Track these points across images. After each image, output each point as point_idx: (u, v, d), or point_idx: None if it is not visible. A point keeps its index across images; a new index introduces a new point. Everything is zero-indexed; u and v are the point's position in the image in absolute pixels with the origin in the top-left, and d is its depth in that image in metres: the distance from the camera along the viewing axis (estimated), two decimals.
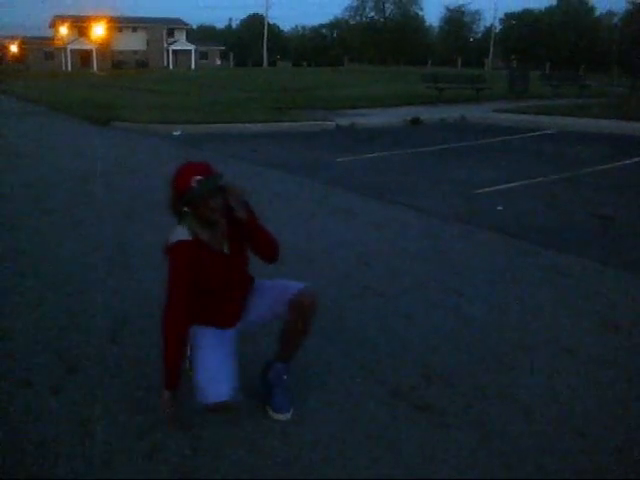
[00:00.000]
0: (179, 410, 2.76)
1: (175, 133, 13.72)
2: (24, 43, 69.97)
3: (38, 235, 5.90)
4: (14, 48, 69.43)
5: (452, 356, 3.58)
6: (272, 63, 79.26)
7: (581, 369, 3.45)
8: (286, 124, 14.74)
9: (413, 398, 3.13)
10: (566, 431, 2.87)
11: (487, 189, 7.98)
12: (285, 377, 3.04)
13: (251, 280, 3.09)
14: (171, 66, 73.55)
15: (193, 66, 72.65)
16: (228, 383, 2.69)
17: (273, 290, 3.02)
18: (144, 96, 23.12)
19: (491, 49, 75.13)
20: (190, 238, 2.76)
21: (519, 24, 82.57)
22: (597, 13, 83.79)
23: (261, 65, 72.28)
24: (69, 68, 68.83)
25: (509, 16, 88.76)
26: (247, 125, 14.52)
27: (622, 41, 43.31)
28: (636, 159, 10.48)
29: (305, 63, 79.03)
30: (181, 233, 2.77)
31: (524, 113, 17.09)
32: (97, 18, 69.88)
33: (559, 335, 3.86)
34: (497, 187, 8.10)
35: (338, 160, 10.15)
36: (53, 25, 75.71)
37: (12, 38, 69.84)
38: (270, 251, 2.97)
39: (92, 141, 12.82)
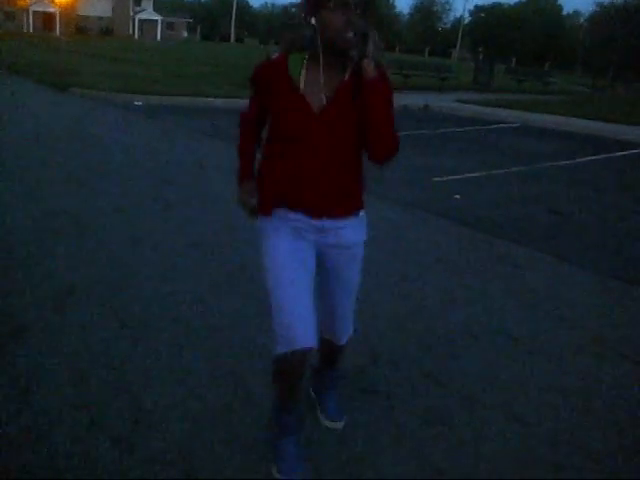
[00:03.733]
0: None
1: (137, 103, 13.48)
2: None
3: None
4: None
5: (398, 341, 3.60)
6: (240, 39, 78.39)
7: (525, 358, 3.51)
8: (245, 100, 14.57)
9: (360, 382, 3.14)
10: (506, 418, 2.92)
11: (446, 178, 8.04)
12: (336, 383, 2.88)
13: (356, 187, 2.38)
14: (136, 35, 72.14)
15: (159, 37, 71.41)
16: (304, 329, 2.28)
17: (328, 304, 2.55)
18: (107, 64, 22.64)
19: (459, 40, 75.57)
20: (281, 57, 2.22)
21: (488, 17, 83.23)
22: (564, 12, 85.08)
23: (228, 40, 71.43)
24: (31, 30, 66.98)
25: (479, 8, 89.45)
26: (209, 99, 14.35)
27: (587, 41, 44.01)
28: (593, 157, 10.68)
29: (273, 41, 78.31)
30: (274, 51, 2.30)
31: (487, 105, 17.27)
32: None
33: (505, 324, 3.92)
34: (456, 176, 8.16)
35: None
36: None
37: None
38: (375, 137, 2.18)
39: (47, 106, 12.51)
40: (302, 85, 2.16)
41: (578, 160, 10.28)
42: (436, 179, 7.95)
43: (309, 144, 2.20)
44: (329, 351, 2.71)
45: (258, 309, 3.85)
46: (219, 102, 14.15)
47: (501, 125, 14.29)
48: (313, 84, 2.16)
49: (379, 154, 2.21)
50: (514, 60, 55.17)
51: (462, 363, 3.41)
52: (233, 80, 18.34)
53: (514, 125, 14.48)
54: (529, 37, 67.79)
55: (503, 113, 15.88)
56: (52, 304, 3.71)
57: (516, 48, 56.15)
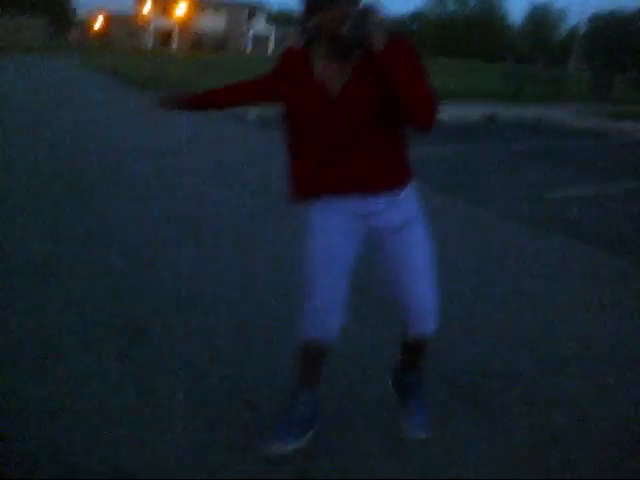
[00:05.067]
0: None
1: (251, 116, 13.85)
2: (108, 19, 71.74)
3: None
4: (98, 24, 71.29)
5: (516, 358, 3.53)
6: None
7: None
8: None
9: (472, 396, 3.10)
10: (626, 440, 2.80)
11: (561, 193, 7.78)
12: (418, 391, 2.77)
13: (394, 163, 2.39)
14: (248, 49, 74.17)
15: (271, 50, 73.08)
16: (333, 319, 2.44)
17: (400, 283, 2.48)
18: (219, 76, 23.38)
19: (575, 50, 73.01)
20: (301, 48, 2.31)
21: (607, 25, 79.98)
22: None
23: None
24: (150, 46, 70.21)
25: (596, 17, 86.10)
26: None
27: None
28: None
29: None
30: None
31: (606, 117, 16.59)
32: None
33: (625, 344, 3.76)
34: (572, 191, 7.90)
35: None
36: (137, 3, 77.24)
37: (97, 13, 71.74)
38: (412, 109, 2.15)
39: (164, 118, 13.05)
40: (318, 73, 2.24)
41: None
42: (550, 194, 7.71)
43: (329, 130, 2.25)
44: (410, 347, 2.65)
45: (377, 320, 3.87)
46: None
47: (622, 138, 13.69)
48: (328, 72, 2.23)
49: (417, 122, 2.17)
50: (636, 70, 52.65)
51: (578, 383, 3.30)
52: None
53: (637, 137, 13.84)
54: None
55: (624, 125, 15.21)
56: (174, 307, 3.88)
57: (635, 56, 53.63)
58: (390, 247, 2.42)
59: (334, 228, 2.39)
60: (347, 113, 2.22)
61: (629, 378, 3.38)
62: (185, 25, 72.31)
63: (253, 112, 13.96)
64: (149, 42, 71.99)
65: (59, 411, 2.76)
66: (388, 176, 2.35)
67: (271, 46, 73.55)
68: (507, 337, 3.77)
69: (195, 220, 5.72)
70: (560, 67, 63.76)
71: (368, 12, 2.06)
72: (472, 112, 15.80)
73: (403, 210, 2.39)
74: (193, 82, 19.28)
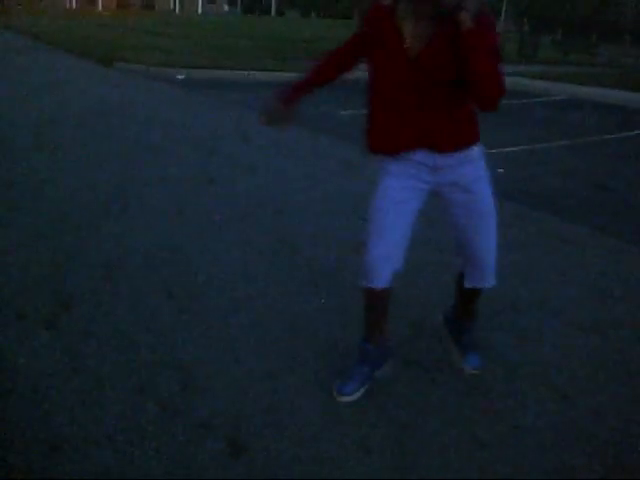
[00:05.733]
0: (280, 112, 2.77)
1: (179, 77, 13.56)
2: None
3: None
4: None
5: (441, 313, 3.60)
6: (281, 13, 77.89)
7: (568, 331, 3.49)
8: (289, 74, 14.59)
9: (403, 353, 3.16)
10: (546, 390, 2.92)
11: (489, 151, 7.91)
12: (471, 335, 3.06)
13: (463, 124, 2.50)
14: (177, 9, 72.20)
15: (200, 10, 71.34)
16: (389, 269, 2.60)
17: (465, 239, 2.67)
18: (149, 38, 22.75)
19: (503, 11, 73.85)
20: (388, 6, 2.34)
21: None
22: None
23: (269, 14, 71.04)
24: (73, 6, 67.50)
25: None
26: (252, 73, 14.35)
27: (636, 10, 42.61)
28: None
29: (314, 14, 77.65)
30: None
31: (533, 77, 16.89)
32: None
33: (549, 298, 3.89)
34: (499, 150, 8.05)
35: (341, 113, 10.05)
36: None
37: None
38: (479, 87, 2.27)
39: (94, 82, 12.68)
40: (404, 31, 2.29)
41: (625, 134, 10.03)
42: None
43: (406, 86, 2.35)
44: (470, 299, 2.89)
45: (302, 279, 3.90)
46: (261, 75, 14.14)
47: (547, 98, 14.00)
48: (412, 30, 2.28)
49: (488, 102, 2.31)
50: (560, 32, 53.81)
51: (505, 336, 3.41)
52: (275, 53, 18.30)
53: (560, 98, 14.18)
54: (576, 7, 66.02)
55: (548, 86, 15.53)
56: (101, 274, 3.81)
57: (562, 19, 54.76)
58: (456, 200, 2.57)
59: (404, 182, 2.52)
60: (424, 73, 2.32)
61: (556, 331, 3.51)
62: None
63: (181, 74, 13.68)
64: (72, 2, 69.14)
65: None
66: (457, 135, 2.47)
67: (200, 5, 71.78)
68: (435, 290, 3.85)
69: (122, 185, 5.59)
70: None
71: None
72: None
73: (473, 168, 2.55)
74: (120, 43, 18.75)
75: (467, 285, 2.76)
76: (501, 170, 6.97)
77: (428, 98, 2.37)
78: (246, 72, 14.32)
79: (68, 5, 67.27)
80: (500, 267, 4.27)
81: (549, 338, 3.42)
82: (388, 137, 2.49)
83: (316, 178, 6.23)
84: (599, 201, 6.17)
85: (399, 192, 2.52)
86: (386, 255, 2.56)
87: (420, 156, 2.47)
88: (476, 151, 2.55)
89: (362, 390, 2.74)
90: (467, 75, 2.25)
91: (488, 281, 2.72)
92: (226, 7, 79.06)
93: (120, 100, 10.34)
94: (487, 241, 2.63)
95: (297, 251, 4.35)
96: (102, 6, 64.68)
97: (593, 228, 5.25)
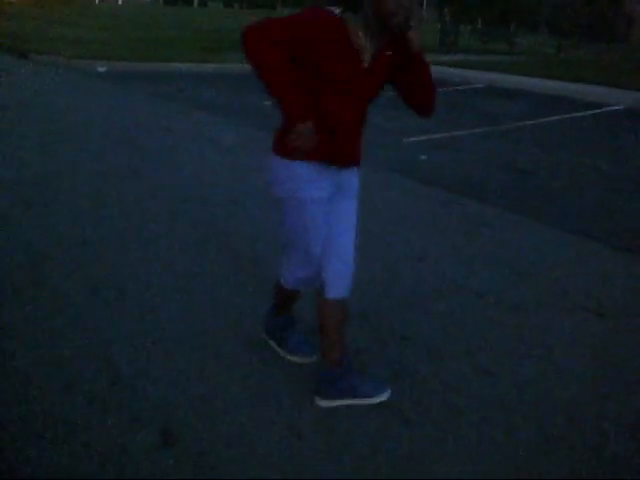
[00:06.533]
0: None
1: (100, 69, 13.25)
2: None
3: None
4: None
5: (367, 298, 3.68)
6: (203, 3, 76.78)
7: (490, 313, 3.62)
8: (213, 65, 14.47)
9: None
10: (472, 369, 3.03)
11: (412, 139, 8.10)
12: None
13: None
14: (97, 0, 70.25)
15: (120, 1, 69.62)
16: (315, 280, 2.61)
17: (330, 242, 2.56)
18: (67, 29, 22.10)
19: (424, 1, 74.94)
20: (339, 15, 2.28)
21: None
22: None
23: (192, 4, 69.91)
24: None
25: None
26: (174, 64, 14.16)
27: (552, 2, 43.96)
28: (557, 116, 10.80)
29: (237, 5, 76.89)
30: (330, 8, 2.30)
31: (452, 66, 17.26)
32: None
33: (471, 280, 4.03)
34: (422, 137, 8.23)
35: (266, 103, 10.04)
36: None
37: None
38: (425, 100, 2.50)
39: (8, 74, 12.26)
40: (357, 44, 2.30)
41: (541, 120, 10.39)
42: (403, 140, 8.01)
43: (355, 97, 2.37)
44: (323, 313, 2.67)
45: (230, 270, 3.92)
46: (184, 67, 13.97)
47: (466, 86, 14.34)
48: (366, 45, 2.32)
49: (430, 110, 2.56)
50: (480, 21, 55.01)
51: (429, 319, 3.51)
52: (198, 45, 18.09)
53: (479, 86, 14.55)
54: None
55: (468, 74, 15.90)
56: (25, 270, 3.72)
57: (482, 8, 55.95)
58: (340, 202, 2.57)
59: (322, 195, 2.48)
60: (369, 86, 2.39)
61: (479, 312, 3.63)
62: None
63: (102, 67, 13.37)
64: None
65: None
66: (360, 149, 2.58)
67: None
68: (360, 278, 3.92)
69: (43, 179, 5.45)
70: None
71: (415, 9, 2.23)
72: None
73: (356, 179, 2.65)
74: (36, 34, 18.15)
75: (326, 296, 2.59)
76: (424, 157, 7.15)
77: (361, 111, 2.45)
78: (168, 64, 14.11)
79: None
80: (422, 251, 4.41)
81: (473, 320, 3.54)
82: (316, 148, 2.36)
83: (241, 169, 6.23)
84: (515, 184, 6.39)
85: (318, 206, 2.48)
86: (310, 277, 2.62)
87: (334, 170, 2.49)
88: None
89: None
90: (417, 88, 2.45)
91: (342, 292, 2.61)
92: None
93: (38, 92, 10.03)
94: (348, 247, 2.60)
95: (224, 243, 4.36)
96: None
97: (510, 210, 5.44)
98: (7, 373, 2.74)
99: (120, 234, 4.39)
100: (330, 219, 2.54)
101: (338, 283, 2.57)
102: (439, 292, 3.85)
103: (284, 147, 2.39)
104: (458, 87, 14.04)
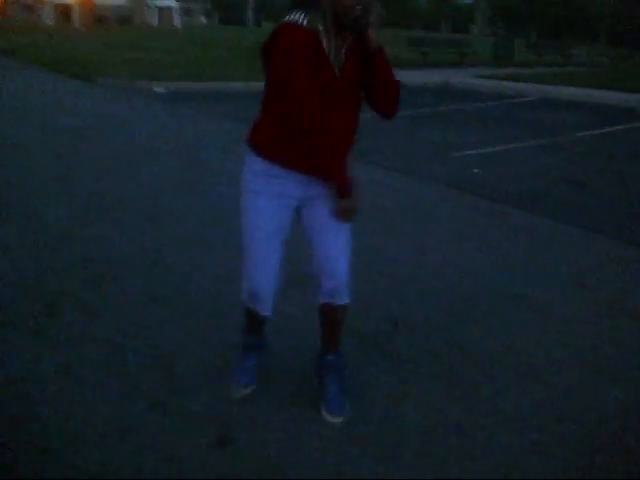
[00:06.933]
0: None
1: (157, 90, 13.64)
2: None
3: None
4: None
5: (419, 308, 3.72)
6: (258, 23, 78.07)
7: (544, 321, 3.61)
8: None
9: (381, 346, 3.27)
10: (524, 377, 3.03)
11: (465, 153, 8.09)
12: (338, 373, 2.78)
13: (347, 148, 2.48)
14: (155, 23, 72.20)
15: (177, 23, 71.40)
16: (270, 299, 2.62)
17: (320, 253, 2.57)
18: (127, 52, 22.81)
19: (479, 15, 74.58)
20: (305, 25, 2.24)
21: None
22: None
23: (246, 25, 71.19)
24: (50, 22, 67.29)
25: None
26: (230, 83, 14.47)
27: (613, 12, 43.19)
28: (613, 127, 10.63)
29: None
30: (295, 18, 2.25)
31: (507, 79, 17.16)
32: None
33: (524, 290, 4.02)
34: (475, 151, 8.22)
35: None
36: None
37: None
38: (386, 99, 2.41)
39: (71, 97, 12.74)
40: (326, 47, 2.26)
41: (597, 131, 10.25)
42: (455, 154, 8.02)
43: (328, 102, 2.28)
44: (330, 321, 2.71)
45: None
46: (240, 86, 14.26)
47: (521, 99, 14.23)
48: (333, 49, 2.28)
49: (391, 110, 2.44)
50: (535, 34, 54.47)
51: (482, 328, 3.52)
52: (253, 63, 18.38)
53: (534, 99, 14.42)
54: (550, 9, 66.73)
55: (522, 87, 15.79)
56: (85, 281, 3.89)
57: (537, 21, 55.43)
58: (319, 209, 2.50)
59: (275, 205, 2.48)
60: (346, 89, 2.35)
61: (532, 321, 3.63)
62: (85, 0, 69.58)
63: (158, 87, 13.76)
64: (50, 19, 68.83)
65: None
66: (337, 166, 2.38)
67: (176, 17, 71.70)
68: (411, 288, 3.96)
69: (112, 196, 5.67)
70: (465, 32, 65.19)
71: (373, 3, 2.20)
72: None
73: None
74: (101, 59, 18.79)
75: (322, 300, 2.64)
76: (477, 170, 7.14)
77: (338, 115, 2.35)
78: (225, 83, 14.42)
79: (46, 22, 66.95)
80: (476, 264, 4.42)
81: (528, 329, 3.54)
82: (277, 150, 2.41)
83: None
84: (572, 196, 6.32)
85: (270, 216, 2.49)
86: (268, 280, 2.58)
87: (296, 178, 2.44)
88: None
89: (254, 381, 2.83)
90: (379, 87, 2.36)
91: (341, 299, 2.62)
92: (204, 19, 79.20)
93: (104, 115, 10.41)
94: (340, 253, 2.56)
95: None
96: (78, 22, 64.42)
97: (566, 222, 5.40)
98: (70, 380, 2.88)
99: (177, 245, 4.52)
100: (315, 234, 2.56)
101: (335, 295, 2.61)
102: (492, 302, 3.85)
103: (254, 139, 2.47)
104: (512, 100, 13.95)
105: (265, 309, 2.66)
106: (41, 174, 6.43)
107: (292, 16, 2.25)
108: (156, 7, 74.56)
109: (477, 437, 2.58)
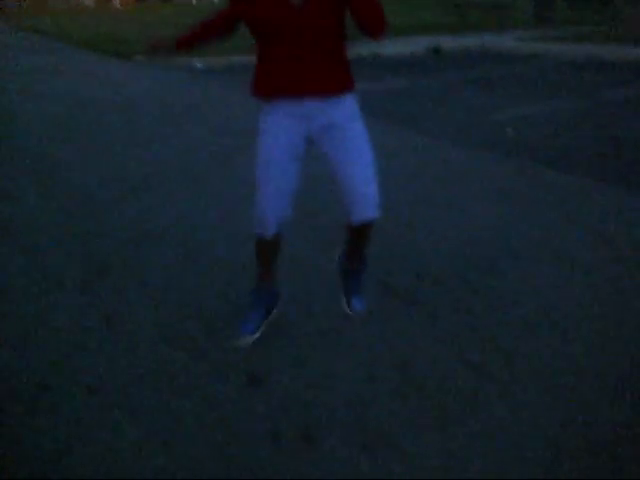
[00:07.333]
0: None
1: (198, 65, 13.85)
2: None
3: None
4: None
5: (446, 262, 3.85)
6: None
7: (567, 272, 3.71)
8: None
9: (405, 296, 3.43)
10: (544, 324, 3.16)
11: (502, 114, 8.10)
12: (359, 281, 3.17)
13: (339, 72, 2.64)
14: (194, 1, 72.32)
15: (216, 1, 71.38)
16: (276, 218, 2.76)
17: (341, 174, 2.70)
18: (168, 30, 23.06)
19: None
20: None
21: None
22: None
23: None
24: (92, 3, 68.00)
25: None
26: None
27: None
28: None
29: None
30: None
31: (548, 40, 16.87)
32: None
33: (550, 243, 4.11)
34: (513, 111, 8.21)
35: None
36: None
37: None
38: (368, 18, 2.41)
39: (113, 75, 13.06)
40: None
41: (637, 89, 10.08)
42: (492, 116, 8.03)
43: (290, 37, 2.45)
44: (360, 236, 2.89)
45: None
46: None
47: (560, 60, 14.00)
48: None
49: (374, 30, 2.42)
50: None
51: (504, 278, 3.64)
52: None
53: (573, 59, 14.17)
54: None
55: (565, 48, 15.51)
56: (131, 246, 4.13)
57: None
58: (333, 140, 2.66)
59: (281, 129, 2.66)
60: (307, 23, 2.43)
61: (554, 271, 3.74)
62: None
63: (199, 62, 13.97)
64: (90, 0, 69.57)
65: (28, 341, 3.03)
66: (333, 81, 2.61)
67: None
68: (439, 245, 4.09)
69: (155, 164, 5.92)
70: None
71: None
72: (417, 46, 15.95)
73: (344, 110, 2.66)
74: (140, 38, 19.08)
75: (354, 220, 2.77)
76: (509, 129, 7.16)
77: (307, 47, 2.48)
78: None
79: (86, 2, 67.64)
80: (499, 219, 4.51)
81: (548, 278, 3.65)
82: (270, 84, 2.61)
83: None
84: (610, 153, 6.30)
85: (278, 145, 2.67)
86: (273, 206, 2.73)
87: (297, 103, 2.60)
88: (348, 98, 2.66)
89: (260, 329, 2.98)
90: (355, 12, 2.38)
91: (371, 212, 2.73)
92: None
93: (145, 92, 10.69)
94: (364, 172, 2.69)
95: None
96: (120, 2, 64.99)
97: (599, 179, 5.41)
98: (115, 331, 3.12)
99: (213, 215, 4.73)
100: (330, 158, 2.69)
101: (357, 209, 2.71)
102: (515, 255, 3.95)
103: (254, 87, 2.68)
104: (552, 61, 13.74)
105: (270, 229, 2.79)
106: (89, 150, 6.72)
107: None
108: None
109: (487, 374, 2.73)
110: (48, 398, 2.62)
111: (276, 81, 2.59)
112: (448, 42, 16.55)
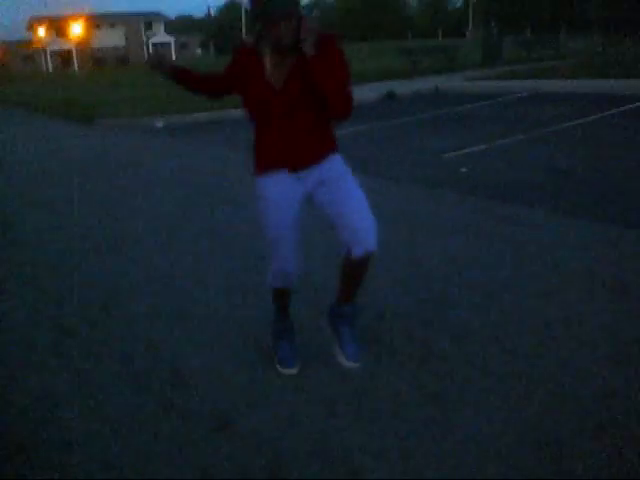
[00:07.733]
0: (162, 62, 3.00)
1: (158, 125, 14.08)
2: (3, 49, 69.59)
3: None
4: None
5: (403, 299, 4.02)
6: None
7: (520, 299, 3.90)
8: None
9: (368, 335, 3.58)
10: (498, 350, 3.32)
11: (454, 153, 8.40)
12: (353, 320, 3.19)
13: (323, 139, 2.93)
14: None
15: (174, 57, 72.51)
16: (291, 272, 3.06)
17: (339, 215, 2.89)
18: (126, 91, 23.37)
19: (470, 18, 74.72)
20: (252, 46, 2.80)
21: None
22: None
23: None
24: (50, 69, 68.60)
25: None
26: (229, 111, 14.85)
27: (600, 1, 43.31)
28: (600, 114, 10.90)
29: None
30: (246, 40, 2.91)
31: (495, 79, 17.49)
32: (74, 17, 69.70)
33: (499, 273, 4.32)
34: (464, 151, 8.52)
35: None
36: (30, 27, 75.36)
37: None
38: (329, 104, 2.70)
39: (74, 139, 13.21)
40: (267, 68, 2.74)
41: (581, 121, 10.49)
42: (445, 155, 8.32)
43: (277, 115, 2.78)
44: (354, 273, 3.00)
45: None
46: (237, 113, 14.62)
47: (510, 96, 14.52)
48: (273, 67, 2.74)
49: (335, 114, 2.76)
50: (529, 31, 54.59)
51: (457, 311, 3.81)
52: None
53: (523, 94, 14.70)
54: (541, 4, 66.84)
55: (511, 84, 16.08)
56: (98, 305, 4.24)
57: (529, 18, 55.67)
58: (329, 187, 2.90)
59: (281, 194, 2.92)
60: (288, 102, 2.74)
61: (506, 300, 3.93)
62: (83, 44, 70.97)
63: (158, 122, 14.19)
64: (49, 65, 70.18)
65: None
66: (323, 149, 2.91)
67: (173, 52, 72.73)
68: (396, 282, 4.27)
69: (120, 223, 6.04)
70: (459, 37, 65.49)
71: (302, 22, 2.57)
72: (373, 92, 16.43)
73: (333, 165, 2.93)
74: (101, 100, 19.32)
75: (356, 253, 2.86)
76: (464, 169, 7.45)
77: (294, 123, 2.78)
78: (222, 111, 14.84)
79: (45, 69, 68.21)
80: (454, 251, 4.70)
81: (500, 307, 3.84)
82: (261, 164, 2.94)
83: None
84: (554, 185, 6.59)
85: (281, 208, 2.94)
86: (293, 263, 3.03)
87: (288, 172, 2.89)
88: (336, 156, 2.95)
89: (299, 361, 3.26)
90: (319, 94, 2.67)
91: (372, 244, 2.86)
92: (199, 51, 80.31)
93: (102, 154, 10.85)
94: (361, 208, 2.89)
95: None
96: (78, 66, 65.60)
97: (546, 209, 5.67)
98: (86, 387, 3.22)
99: (188, 266, 4.87)
100: (328, 209, 2.92)
101: (359, 242, 2.85)
102: (470, 289, 4.13)
103: (257, 167, 2.98)
104: (500, 98, 14.25)
105: (294, 281, 3.14)
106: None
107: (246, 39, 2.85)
108: (152, 44, 75.67)
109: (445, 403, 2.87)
110: (24, 457, 2.71)
111: (271, 161, 2.90)
112: (402, 87, 17.08)
